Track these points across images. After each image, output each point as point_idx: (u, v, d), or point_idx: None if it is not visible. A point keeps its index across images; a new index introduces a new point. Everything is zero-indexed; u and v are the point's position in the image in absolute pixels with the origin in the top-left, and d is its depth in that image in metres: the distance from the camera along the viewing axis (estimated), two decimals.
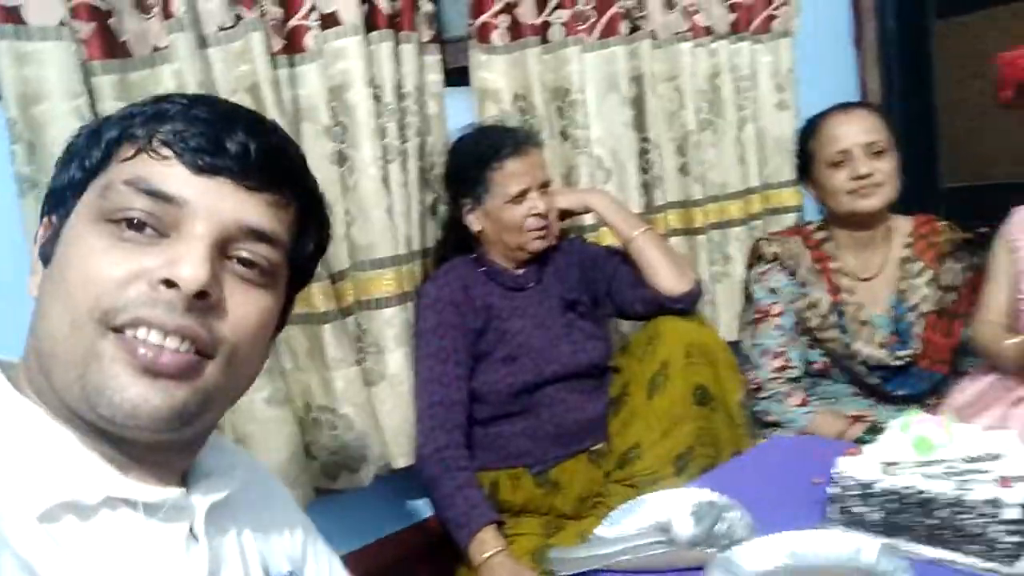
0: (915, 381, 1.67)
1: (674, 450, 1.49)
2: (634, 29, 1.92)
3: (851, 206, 1.61)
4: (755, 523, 0.95)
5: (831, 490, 0.94)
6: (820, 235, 1.73)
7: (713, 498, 1.00)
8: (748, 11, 2.13)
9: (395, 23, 1.49)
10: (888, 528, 0.89)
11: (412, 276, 1.54)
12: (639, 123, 1.94)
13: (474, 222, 1.55)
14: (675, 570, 0.92)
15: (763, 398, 1.70)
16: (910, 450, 0.94)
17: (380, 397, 1.50)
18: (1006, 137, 2.08)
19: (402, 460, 1.51)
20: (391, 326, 1.48)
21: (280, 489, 0.81)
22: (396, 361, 1.49)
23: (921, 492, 0.86)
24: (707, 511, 0.97)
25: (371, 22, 1.46)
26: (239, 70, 1.32)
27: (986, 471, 0.86)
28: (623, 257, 1.64)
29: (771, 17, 2.18)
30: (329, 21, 1.42)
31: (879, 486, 0.89)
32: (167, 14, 1.24)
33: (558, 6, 1.77)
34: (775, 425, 1.68)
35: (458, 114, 1.69)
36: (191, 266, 0.56)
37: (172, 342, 0.57)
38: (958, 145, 2.27)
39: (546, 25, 1.79)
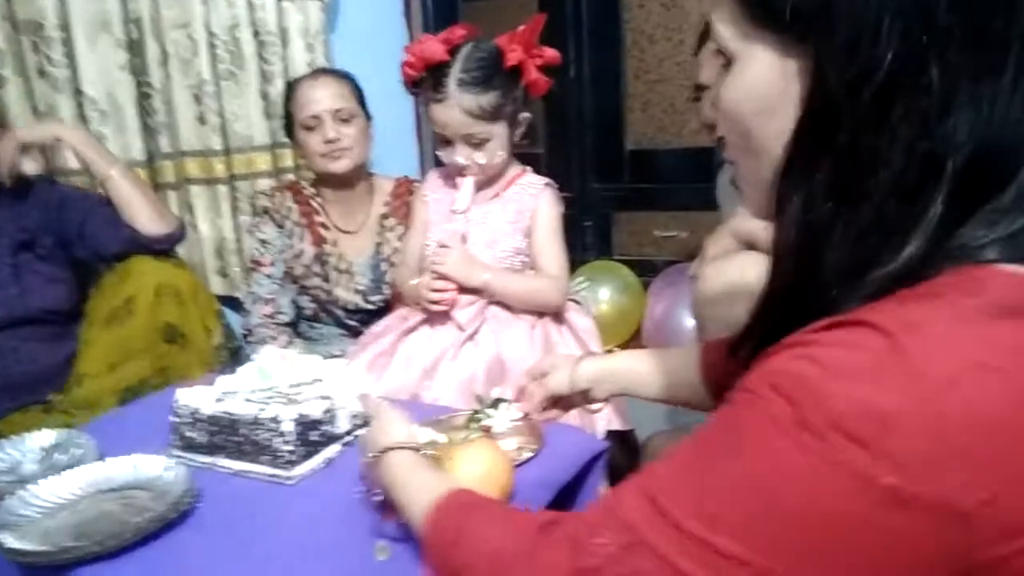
0: None
1: (122, 383, 1.52)
2: None
3: (323, 167, 1.76)
4: (105, 452, 1.02)
5: (171, 418, 1.05)
6: (310, 191, 1.86)
7: (66, 435, 1.05)
8: None
9: None
10: (211, 448, 1.02)
11: None
12: (139, 67, 1.89)
13: None
14: None
15: (252, 342, 1.80)
16: (254, 379, 1.08)
17: None
18: None
19: None
20: None
21: None
22: None
23: (231, 415, 0.99)
24: (56, 447, 1.02)
25: None
26: None
27: (287, 393, 1.03)
28: (100, 199, 1.61)
29: None
30: None
31: (204, 412, 1.01)
32: None
33: None
34: None
35: None
36: None
37: None
38: None
39: None
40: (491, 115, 1.34)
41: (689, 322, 2.06)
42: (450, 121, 1.35)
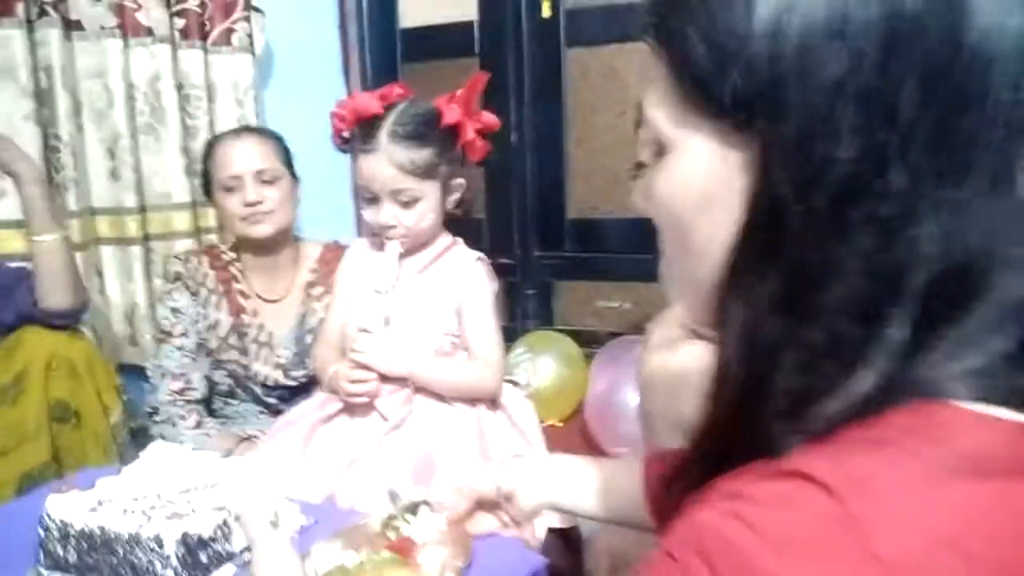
0: None
1: (20, 468, 1.37)
2: (42, 14, 1.72)
3: (242, 231, 1.63)
4: None
5: (39, 531, 0.89)
6: (229, 256, 1.73)
7: None
8: (201, 20, 2.07)
9: None
10: (82, 568, 0.86)
11: None
12: (47, 118, 1.75)
13: None
14: None
15: (158, 421, 1.63)
16: (139, 483, 0.94)
17: None
18: None
19: None
20: None
21: None
22: None
23: (105, 531, 0.84)
24: None
25: None
26: None
27: (175, 502, 0.88)
28: None
29: (230, 31, 2.15)
30: None
31: (75, 526, 0.86)
32: None
33: None
34: None
35: None
36: None
37: None
38: None
39: None
40: (423, 172, 1.24)
41: (633, 400, 1.97)
42: (378, 174, 1.24)
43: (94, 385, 1.48)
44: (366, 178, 1.26)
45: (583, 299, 2.54)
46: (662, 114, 0.46)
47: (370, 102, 1.26)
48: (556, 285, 2.56)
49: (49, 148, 1.76)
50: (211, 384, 1.71)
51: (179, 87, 2.02)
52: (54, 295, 1.47)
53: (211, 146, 1.65)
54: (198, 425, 1.63)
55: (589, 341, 2.40)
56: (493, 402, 1.33)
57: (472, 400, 1.30)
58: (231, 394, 1.74)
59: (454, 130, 1.27)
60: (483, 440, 1.25)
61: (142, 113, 1.96)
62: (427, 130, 1.25)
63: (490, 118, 1.31)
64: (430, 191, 1.27)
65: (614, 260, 2.45)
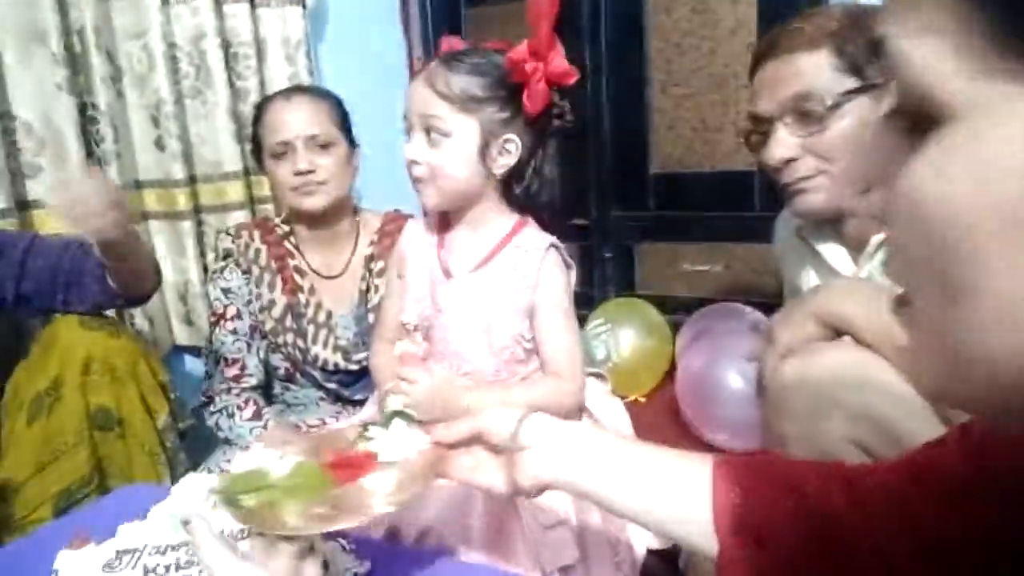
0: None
1: (57, 485, 1.26)
2: None
3: (295, 203, 1.47)
4: None
5: None
6: (283, 229, 1.58)
7: None
8: None
9: None
10: None
11: None
12: (82, 86, 1.61)
13: None
14: None
15: (215, 411, 1.51)
16: (166, 530, 0.79)
17: None
18: None
19: None
20: None
21: None
22: None
23: None
24: None
25: None
26: None
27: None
28: (38, 244, 1.38)
29: None
30: None
31: None
32: None
33: None
34: (230, 442, 1.52)
35: None
36: None
37: None
38: None
39: None
40: (459, 101, 1.03)
41: (733, 380, 1.75)
42: (414, 97, 1.06)
43: (137, 387, 1.36)
44: (406, 106, 1.08)
45: (668, 262, 2.31)
46: (940, 57, 0.26)
47: (455, 41, 1.09)
48: (637, 247, 2.33)
49: (86, 118, 1.63)
50: (268, 369, 1.58)
51: (225, 45, 1.86)
52: (139, 286, 1.42)
53: (260, 108, 1.50)
54: (256, 415, 1.50)
55: (674, 308, 2.18)
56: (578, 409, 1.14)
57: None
58: (290, 379, 1.61)
59: (516, 71, 1.05)
60: None
61: (187, 76, 1.81)
62: (481, 61, 1.05)
63: (561, 66, 1.06)
64: (464, 131, 1.04)
65: (703, 219, 2.20)
